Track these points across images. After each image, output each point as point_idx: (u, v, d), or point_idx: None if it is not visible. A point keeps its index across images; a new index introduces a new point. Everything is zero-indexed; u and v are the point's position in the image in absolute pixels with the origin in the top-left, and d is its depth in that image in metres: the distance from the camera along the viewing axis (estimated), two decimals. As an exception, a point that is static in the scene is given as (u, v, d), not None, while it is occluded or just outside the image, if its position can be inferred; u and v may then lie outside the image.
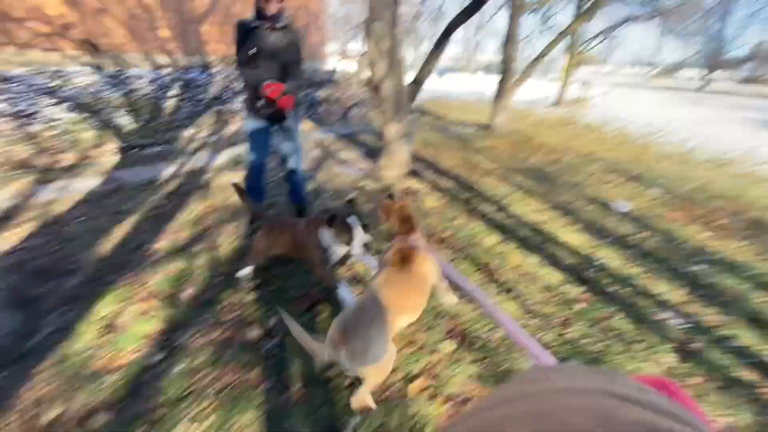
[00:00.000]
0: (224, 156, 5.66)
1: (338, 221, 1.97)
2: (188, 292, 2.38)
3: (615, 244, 3.24)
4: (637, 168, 5.80)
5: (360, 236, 1.94)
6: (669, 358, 1.96)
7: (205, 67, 10.00)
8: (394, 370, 1.85)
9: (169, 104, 7.95)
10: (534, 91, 20.57)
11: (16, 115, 6.14)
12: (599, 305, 2.38)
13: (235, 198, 3.89)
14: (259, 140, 3.04)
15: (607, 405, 0.25)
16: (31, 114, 6.33)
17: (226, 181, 4.50)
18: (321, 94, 11.02)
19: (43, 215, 3.43)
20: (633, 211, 3.99)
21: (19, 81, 7.04)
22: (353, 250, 1.97)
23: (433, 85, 22.90)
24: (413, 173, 5.00)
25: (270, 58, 2.74)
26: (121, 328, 2.04)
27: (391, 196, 1.76)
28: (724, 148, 7.66)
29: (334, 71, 13.51)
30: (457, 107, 12.84)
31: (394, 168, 4.92)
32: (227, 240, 3.04)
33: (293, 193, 3.43)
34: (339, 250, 2.10)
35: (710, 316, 2.33)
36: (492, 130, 8.09)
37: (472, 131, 8.30)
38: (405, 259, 1.57)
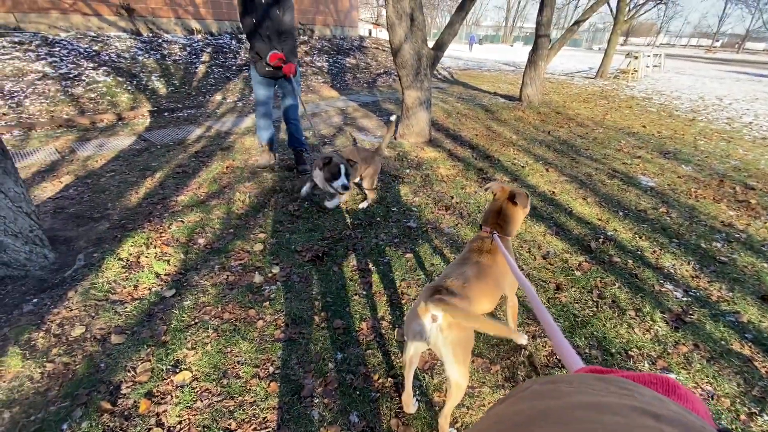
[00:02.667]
0: (249, 120, 5.82)
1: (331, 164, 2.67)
2: (202, 240, 2.56)
3: (629, 217, 3.14)
4: (675, 144, 5.45)
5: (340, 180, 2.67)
6: (659, 327, 1.95)
7: (235, 33, 10.09)
8: (384, 317, 1.95)
9: (201, 69, 8.16)
10: (576, 62, 19.35)
11: (61, 78, 6.52)
12: (598, 274, 2.36)
13: (253, 160, 4.06)
14: (265, 90, 3.53)
15: (645, 424, 0.24)
16: (74, 77, 6.69)
17: (249, 143, 4.67)
18: (349, 61, 10.90)
19: (80, 169, 3.72)
20: (657, 187, 3.81)
21: (63, 45, 7.41)
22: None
23: (466, 54, 22.03)
24: (431, 142, 4.96)
25: (269, 26, 3.17)
26: (140, 266, 2.25)
27: (513, 197, 1.57)
28: (779, 126, 7.00)
29: (363, 38, 13.25)
30: (489, 78, 12.35)
31: (412, 136, 4.90)
32: (241, 197, 3.20)
33: (291, 138, 3.82)
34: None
35: (716, 291, 2.26)
36: (522, 101, 7.77)
37: (500, 102, 8.02)
38: (483, 251, 1.46)
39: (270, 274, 2.24)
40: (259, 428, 1.39)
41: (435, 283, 1.32)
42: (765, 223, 3.15)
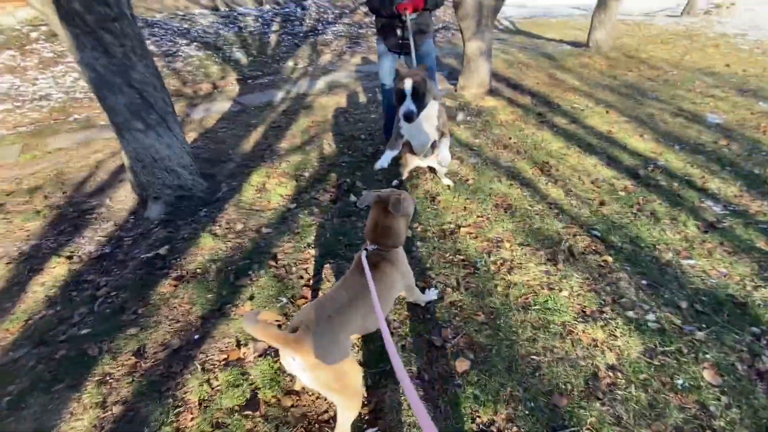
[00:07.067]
0: (321, 82, 6.46)
1: None
2: (306, 173, 3.28)
3: (685, 150, 3.31)
4: (759, 81, 5.14)
5: None
6: (690, 230, 2.29)
7: (299, 0, 10.63)
8: (450, 222, 2.52)
9: (273, 39, 8.90)
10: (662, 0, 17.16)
11: (163, 55, 7.61)
12: (641, 194, 2.69)
13: (332, 113, 4.69)
14: (388, 67, 3.22)
15: None
16: (173, 53, 7.77)
17: (325, 102, 5.32)
18: (407, 19, 10.98)
19: (198, 128, 4.64)
20: (724, 123, 3.82)
21: (159, 26, 8.52)
22: None
23: (532, 1, 20.46)
24: (492, 92, 5.22)
25: None
26: (267, 190, 3.03)
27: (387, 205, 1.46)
28: None
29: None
30: (555, 25, 11.69)
31: (473, 87, 5.20)
32: (329, 143, 3.87)
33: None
34: None
35: (756, 207, 2.49)
36: (590, 47, 7.50)
37: (566, 49, 7.79)
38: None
39: (355, 196, 2.90)
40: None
41: (296, 318, 1.23)
42: (836, 152, 3.14)
